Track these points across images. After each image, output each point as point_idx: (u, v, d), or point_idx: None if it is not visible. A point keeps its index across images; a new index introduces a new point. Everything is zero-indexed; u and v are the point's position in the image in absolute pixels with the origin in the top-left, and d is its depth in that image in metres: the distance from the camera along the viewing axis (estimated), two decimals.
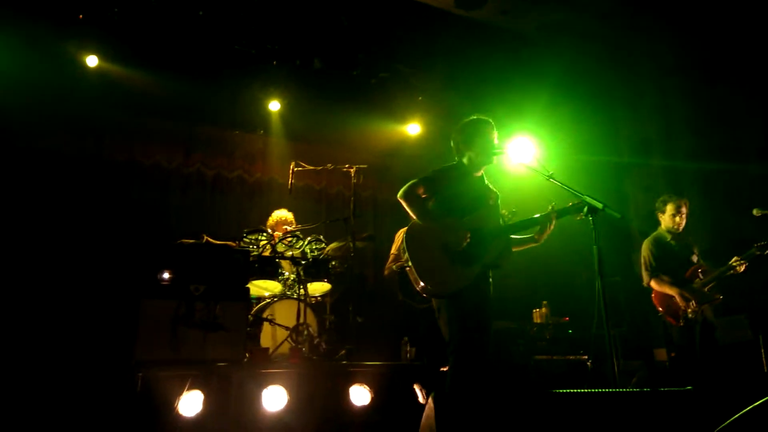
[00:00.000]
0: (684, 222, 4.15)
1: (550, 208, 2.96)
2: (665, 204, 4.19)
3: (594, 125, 6.76)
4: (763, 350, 4.57)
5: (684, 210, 4.14)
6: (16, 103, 5.34)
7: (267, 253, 4.78)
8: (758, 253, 3.83)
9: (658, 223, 4.33)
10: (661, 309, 4.03)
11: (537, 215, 3.00)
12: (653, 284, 4.07)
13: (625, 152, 7.02)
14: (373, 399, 4.12)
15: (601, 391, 1.67)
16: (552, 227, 2.99)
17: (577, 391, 1.67)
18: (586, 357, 5.20)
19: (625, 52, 6.75)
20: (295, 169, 5.05)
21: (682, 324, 3.92)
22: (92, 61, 5.63)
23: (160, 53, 5.78)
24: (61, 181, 5.71)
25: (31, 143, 5.67)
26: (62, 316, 5.17)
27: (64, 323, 5.13)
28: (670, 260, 4.09)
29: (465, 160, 3.10)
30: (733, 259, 3.91)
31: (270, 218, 5.37)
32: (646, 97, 6.80)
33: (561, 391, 1.67)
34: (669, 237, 4.18)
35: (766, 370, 4.44)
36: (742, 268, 3.89)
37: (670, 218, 4.15)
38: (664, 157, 6.51)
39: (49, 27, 5.35)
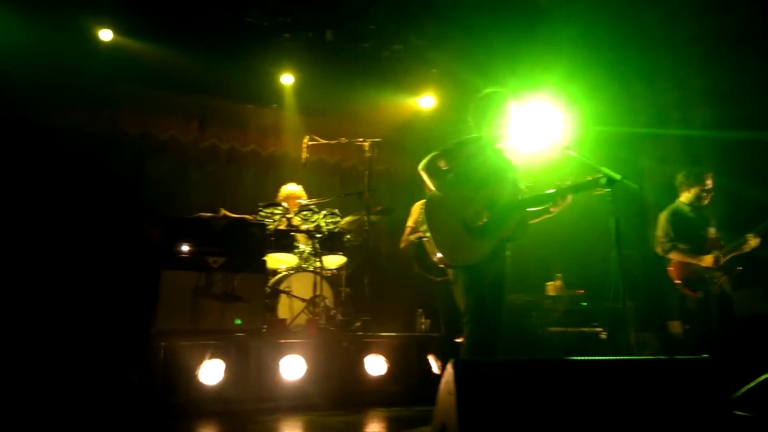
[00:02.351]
0: (709, 197, 4.11)
1: (568, 182, 2.92)
2: (697, 179, 4.13)
3: (610, 97, 6.64)
4: None
5: (710, 185, 4.11)
6: (30, 79, 5.37)
7: (283, 227, 4.83)
8: None
9: (674, 196, 4.30)
10: (678, 281, 4.02)
11: (552, 190, 2.93)
12: (672, 255, 4.05)
13: (641, 124, 6.91)
14: (389, 369, 4.21)
15: (618, 359, 1.69)
16: (567, 202, 2.96)
17: (594, 359, 1.69)
18: (600, 329, 5.24)
19: (642, 22, 6.59)
20: (309, 143, 5.05)
21: (700, 296, 3.91)
22: (106, 35, 5.63)
23: (172, 26, 5.76)
24: (79, 156, 5.78)
25: (47, 119, 5.71)
26: (85, 289, 5.29)
27: (87, 295, 5.26)
28: (688, 232, 4.07)
29: (483, 134, 3.09)
30: (748, 235, 3.89)
31: (279, 193, 5.38)
32: (662, 67, 6.66)
33: (576, 358, 1.69)
34: (688, 209, 4.15)
35: None
36: (756, 242, 3.87)
37: (696, 193, 4.10)
38: (680, 128, 6.42)
39: (62, 1, 5.36)
